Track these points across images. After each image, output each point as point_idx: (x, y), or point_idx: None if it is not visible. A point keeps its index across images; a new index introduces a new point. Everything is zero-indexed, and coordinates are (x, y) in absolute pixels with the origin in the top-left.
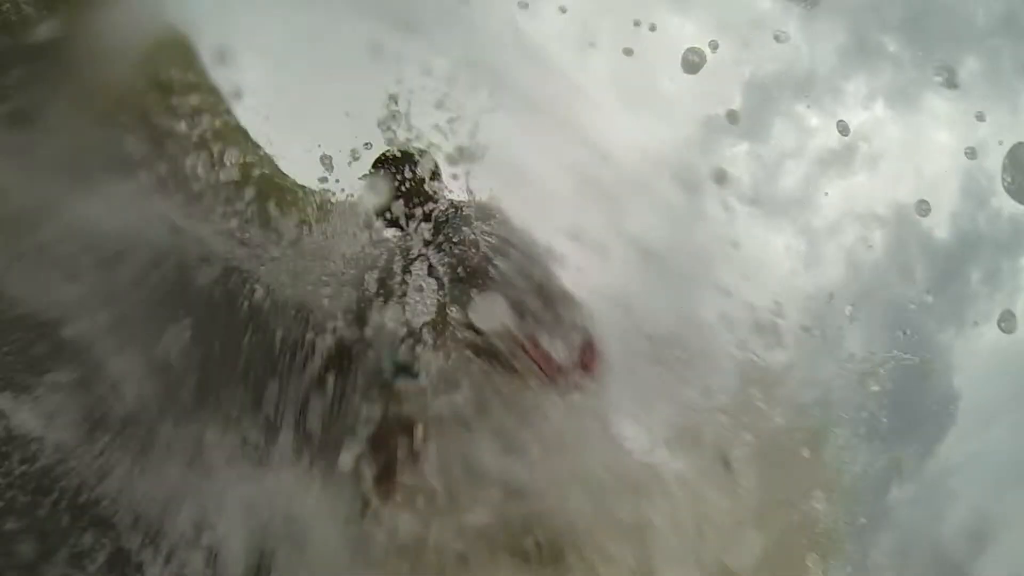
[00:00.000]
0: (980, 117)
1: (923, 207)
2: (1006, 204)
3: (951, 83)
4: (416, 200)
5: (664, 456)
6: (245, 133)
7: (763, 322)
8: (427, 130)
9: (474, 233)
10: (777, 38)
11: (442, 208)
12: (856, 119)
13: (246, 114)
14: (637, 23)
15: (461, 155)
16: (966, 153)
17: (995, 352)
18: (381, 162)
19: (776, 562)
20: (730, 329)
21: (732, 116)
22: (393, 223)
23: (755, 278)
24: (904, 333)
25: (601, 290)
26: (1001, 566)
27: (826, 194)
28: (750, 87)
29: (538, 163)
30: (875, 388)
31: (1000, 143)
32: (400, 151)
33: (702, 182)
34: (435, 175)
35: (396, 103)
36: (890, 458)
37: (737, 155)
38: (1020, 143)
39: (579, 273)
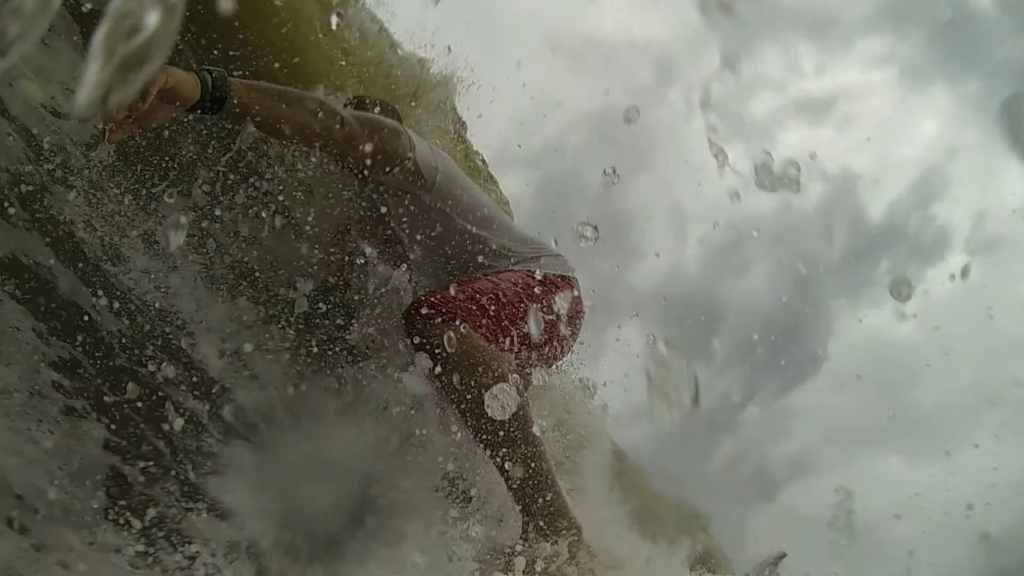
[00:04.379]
0: (967, 131)
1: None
2: (942, 215)
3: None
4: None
5: None
6: None
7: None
8: None
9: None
10: None
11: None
12: (852, 78)
13: None
14: None
15: None
16: (937, 153)
17: (870, 333)
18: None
19: None
20: (644, 220)
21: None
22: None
23: (687, 177)
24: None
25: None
26: (803, 496)
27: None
28: (761, 7)
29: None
30: (760, 324)
31: (971, 164)
32: (379, 100)
33: (674, 75)
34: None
35: None
36: (751, 383)
37: (718, 64)
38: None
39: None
